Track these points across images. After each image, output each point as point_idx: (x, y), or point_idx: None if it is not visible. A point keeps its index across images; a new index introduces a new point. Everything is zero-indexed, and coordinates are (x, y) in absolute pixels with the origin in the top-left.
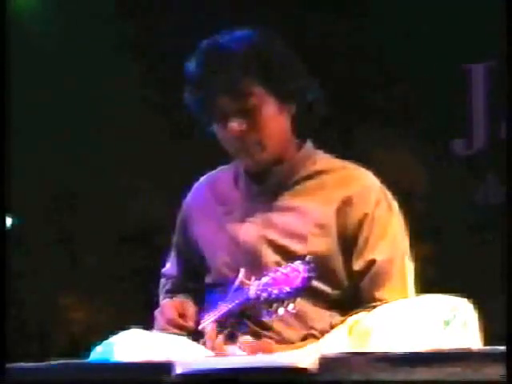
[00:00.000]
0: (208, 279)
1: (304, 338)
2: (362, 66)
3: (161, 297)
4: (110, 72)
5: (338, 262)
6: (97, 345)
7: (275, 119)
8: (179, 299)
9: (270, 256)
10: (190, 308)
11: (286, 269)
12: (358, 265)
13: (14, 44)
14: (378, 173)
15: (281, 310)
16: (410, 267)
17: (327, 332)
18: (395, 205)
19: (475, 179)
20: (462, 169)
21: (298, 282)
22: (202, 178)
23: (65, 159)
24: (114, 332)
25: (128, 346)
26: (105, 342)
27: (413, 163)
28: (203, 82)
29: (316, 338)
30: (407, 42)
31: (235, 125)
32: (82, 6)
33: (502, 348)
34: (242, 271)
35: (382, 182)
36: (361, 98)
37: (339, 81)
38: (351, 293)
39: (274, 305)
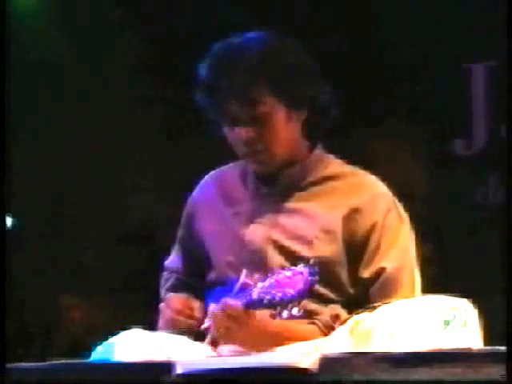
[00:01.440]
0: (210, 276)
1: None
2: (361, 67)
3: (162, 291)
4: (110, 71)
5: (343, 269)
6: (97, 345)
7: (285, 126)
8: (183, 295)
9: (274, 257)
10: (195, 302)
11: (289, 272)
12: (367, 272)
13: (14, 44)
14: (378, 173)
15: (285, 313)
16: (417, 276)
17: (329, 324)
18: (404, 213)
19: (475, 179)
20: (462, 169)
21: (301, 285)
22: (210, 174)
23: (65, 159)
24: (114, 332)
25: (128, 346)
26: (105, 342)
27: (413, 163)
28: (214, 87)
29: (318, 326)
30: (408, 42)
31: (243, 132)
32: (82, 6)
33: (502, 348)
34: (244, 272)
35: (382, 182)
36: (360, 98)
37: (338, 82)
38: (357, 300)
39: (278, 308)
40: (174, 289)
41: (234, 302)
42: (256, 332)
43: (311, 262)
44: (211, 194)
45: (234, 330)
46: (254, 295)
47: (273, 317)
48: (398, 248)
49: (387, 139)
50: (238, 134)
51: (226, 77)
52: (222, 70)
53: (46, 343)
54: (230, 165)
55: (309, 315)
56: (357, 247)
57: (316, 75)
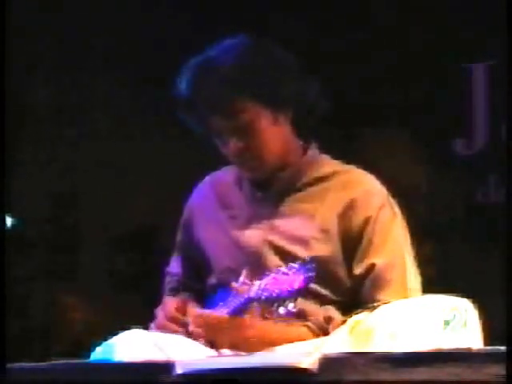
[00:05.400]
0: (211, 280)
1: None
2: (361, 67)
3: (164, 294)
4: (109, 71)
5: (341, 267)
6: (97, 345)
7: (272, 130)
8: (181, 297)
9: (272, 260)
10: (191, 306)
11: (286, 269)
12: (359, 269)
13: (14, 44)
14: (378, 173)
15: (281, 310)
16: (412, 272)
17: (321, 324)
18: (398, 210)
19: (476, 179)
20: (462, 169)
21: (298, 282)
22: (206, 178)
23: (65, 159)
24: (114, 332)
25: (128, 346)
26: (105, 342)
27: (413, 163)
28: (194, 102)
29: (309, 328)
30: (407, 42)
31: (231, 144)
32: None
33: (502, 348)
34: (244, 273)
35: (383, 182)
36: (361, 98)
37: (339, 81)
38: (352, 296)
39: (275, 304)
40: (175, 291)
41: (216, 313)
42: (243, 338)
43: (307, 258)
44: (207, 199)
45: (218, 337)
46: (252, 293)
47: (270, 314)
48: (390, 244)
49: (387, 139)
50: (226, 146)
51: (204, 91)
52: (200, 84)
53: (47, 343)
54: (226, 168)
55: (303, 316)
56: (351, 243)
57: (297, 73)
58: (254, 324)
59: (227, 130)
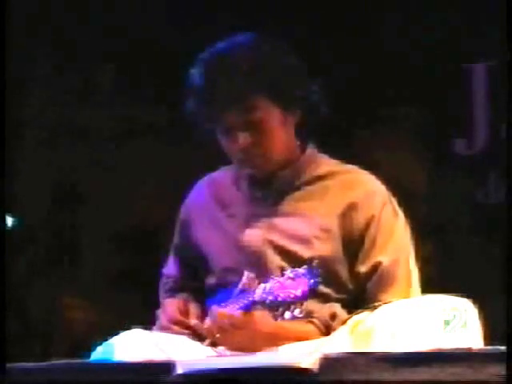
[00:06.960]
0: (210, 280)
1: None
2: (361, 67)
3: (161, 296)
4: (110, 70)
5: (343, 266)
6: (98, 345)
7: (280, 129)
8: (181, 298)
9: (273, 260)
10: (192, 306)
11: (292, 273)
12: (364, 267)
13: (13, 45)
14: (378, 173)
15: (287, 314)
16: (414, 271)
17: (326, 321)
18: (399, 209)
19: (476, 179)
20: (462, 169)
21: (304, 287)
22: (203, 179)
23: (65, 159)
24: (114, 332)
25: (129, 346)
26: (106, 342)
27: (413, 163)
28: (208, 96)
29: (315, 325)
30: (407, 42)
31: (241, 138)
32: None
33: (503, 348)
34: (246, 274)
35: (383, 182)
36: (361, 98)
37: (339, 82)
38: (356, 295)
39: (280, 309)
40: (173, 291)
41: (228, 310)
42: (253, 334)
43: (314, 263)
44: (205, 199)
45: (231, 335)
46: (257, 296)
47: (275, 318)
48: (394, 242)
49: (387, 139)
50: (234, 141)
51: (219, 86)
52: (215, 78)
53: (47, 343)
54: (222, 169)
55: (308, 313)
56: (354, 243)
57: (305, 75)
58: (261, 321)
59: (239, 124)
